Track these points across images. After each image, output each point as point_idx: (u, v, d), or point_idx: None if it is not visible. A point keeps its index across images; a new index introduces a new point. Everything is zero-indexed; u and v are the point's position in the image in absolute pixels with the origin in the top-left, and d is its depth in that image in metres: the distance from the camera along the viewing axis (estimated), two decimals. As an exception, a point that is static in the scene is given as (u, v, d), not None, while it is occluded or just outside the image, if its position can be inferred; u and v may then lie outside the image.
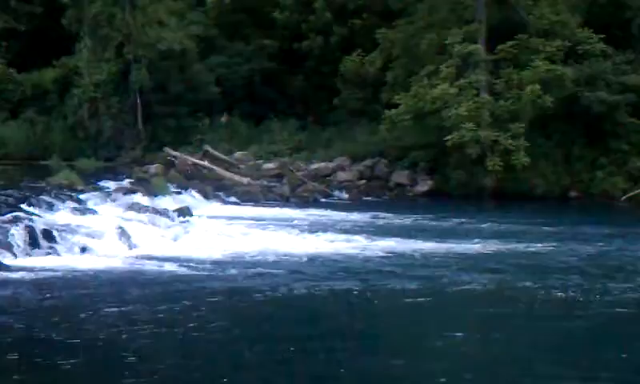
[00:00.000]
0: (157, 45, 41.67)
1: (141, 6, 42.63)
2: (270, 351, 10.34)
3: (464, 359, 10.23)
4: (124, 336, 10.73)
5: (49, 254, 15.92)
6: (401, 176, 32.94)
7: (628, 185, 30.75)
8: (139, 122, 42.48)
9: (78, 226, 17.51)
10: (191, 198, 26.47)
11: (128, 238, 17.38)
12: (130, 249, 17.03)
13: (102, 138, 42.74)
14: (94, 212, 19.93)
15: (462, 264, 16.48)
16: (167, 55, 41.95)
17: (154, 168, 34.20)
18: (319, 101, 41.23)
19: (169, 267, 15.32)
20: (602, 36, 32.12)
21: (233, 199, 28.87)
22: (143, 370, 9.41)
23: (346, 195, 31.88)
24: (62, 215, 18.81)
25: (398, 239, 19.42)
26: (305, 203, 28.90)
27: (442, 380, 9.21)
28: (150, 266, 15.42)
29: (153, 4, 42.96)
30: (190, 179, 31.56)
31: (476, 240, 19.60)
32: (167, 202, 23.76)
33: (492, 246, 18.83)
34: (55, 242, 16.35)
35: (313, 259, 16.69)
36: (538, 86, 30.12)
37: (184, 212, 22.19)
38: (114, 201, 22.25)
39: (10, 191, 20.58)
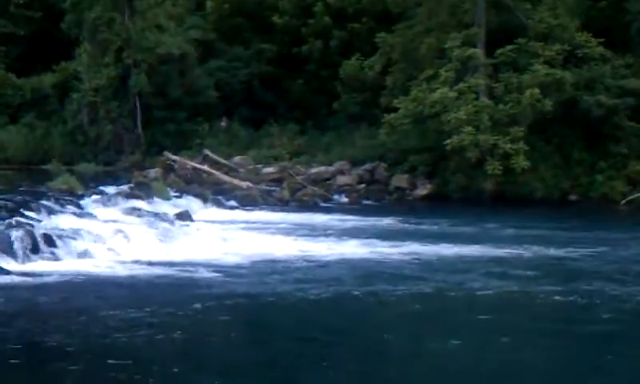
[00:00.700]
0: (156, 49, 41.76)
1: (140, 10, 42.76)
2: (268, 355, 10.35)
3: (467, 364, 10.23)
4: (124, 340, 10.72)
5: (49, 258, 15.91)
6: (400, 180, 32.93)
7: (627, 188, 30.72)
8: (139, 126, 42.53)
9: (78, 230, 17.48)
10: (191, 203, 26.46)
11: (128, 242, 17.38)
12: (130, 253, 17.00)
13: (101, 143, 42.77)
14: (93, 216, 19.92)
15: (461, 267, 16.48)
16: (166, 60, 42.04)
17: (153, 172, 34.15)
18: (319, 105, 41.23)
19: (169, 271, 15.33)
20: (601, 40, 32.14)
21: (232, 203, 28.82)
22: (142, 374, 9.41)
23: (345, 199, 31.86)
24: (62, 220, 18.76)
25: (398, 242, 19.40)
26: (304, 207, 28.90)
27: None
28: (150, 271, 15.43)
29: (152, 8, 43.07)
30: (189, 183, 31.56)
31: (475, 243, 19.58)
32: (167, 207, 23.81)
33: (491, 250, 18.78)
34: (55, 246, 16.32)
35: (313, 263, 16.69)
36: (537, 90, 30.14)
37: (184, 216, 22.17)
38: (113, 205, 22.27)
39: (9, 196, 20.56)
